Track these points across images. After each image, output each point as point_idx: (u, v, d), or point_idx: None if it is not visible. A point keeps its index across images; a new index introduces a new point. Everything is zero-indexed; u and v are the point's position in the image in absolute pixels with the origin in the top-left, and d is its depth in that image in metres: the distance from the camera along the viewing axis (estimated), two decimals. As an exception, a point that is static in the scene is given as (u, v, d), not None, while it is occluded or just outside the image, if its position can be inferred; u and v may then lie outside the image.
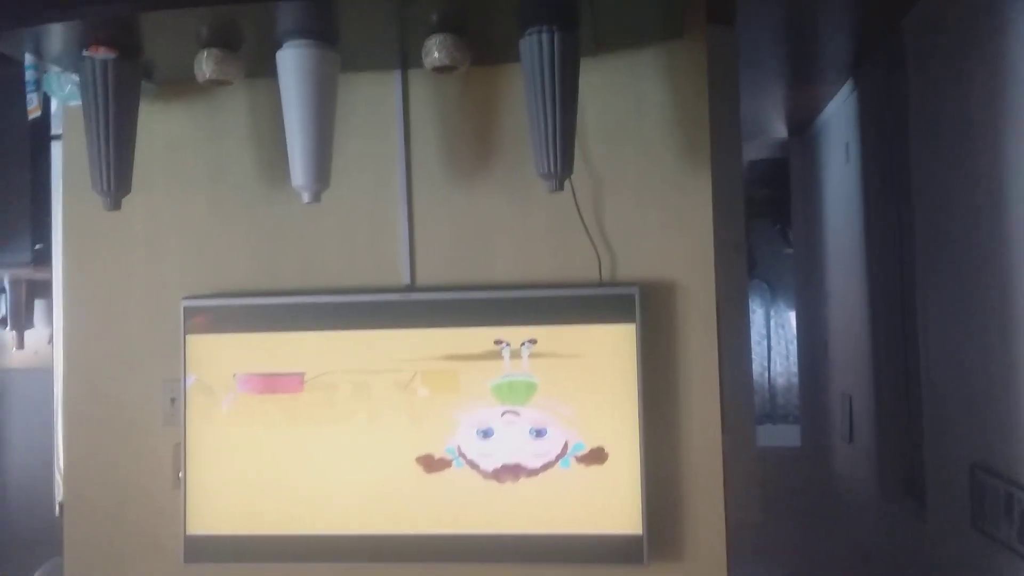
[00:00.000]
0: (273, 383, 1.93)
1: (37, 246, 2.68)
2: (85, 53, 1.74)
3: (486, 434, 1.86)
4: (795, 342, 6.94)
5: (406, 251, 1.98)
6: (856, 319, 4.30)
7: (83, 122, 1.79)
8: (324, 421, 1.91)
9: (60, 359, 2.14)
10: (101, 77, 1.75)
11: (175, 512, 1.96)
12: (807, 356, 5.83)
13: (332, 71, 1.77)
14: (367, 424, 1.90)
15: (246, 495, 1.92)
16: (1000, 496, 2.41)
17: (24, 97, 1.85)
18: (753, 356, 4.97)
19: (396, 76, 2.00)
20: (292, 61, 1.73)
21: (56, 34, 1.72)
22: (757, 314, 8.12)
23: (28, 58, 1.82)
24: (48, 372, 2.29)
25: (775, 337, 8.24)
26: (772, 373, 8.18)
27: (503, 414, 1.86)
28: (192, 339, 1.95)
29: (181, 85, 2.01)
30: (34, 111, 1.86)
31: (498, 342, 1.86)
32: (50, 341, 2.76)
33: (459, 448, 1.87)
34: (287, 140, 1.77)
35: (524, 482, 1.85)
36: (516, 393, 1.86)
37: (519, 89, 1.81)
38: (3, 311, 3.04)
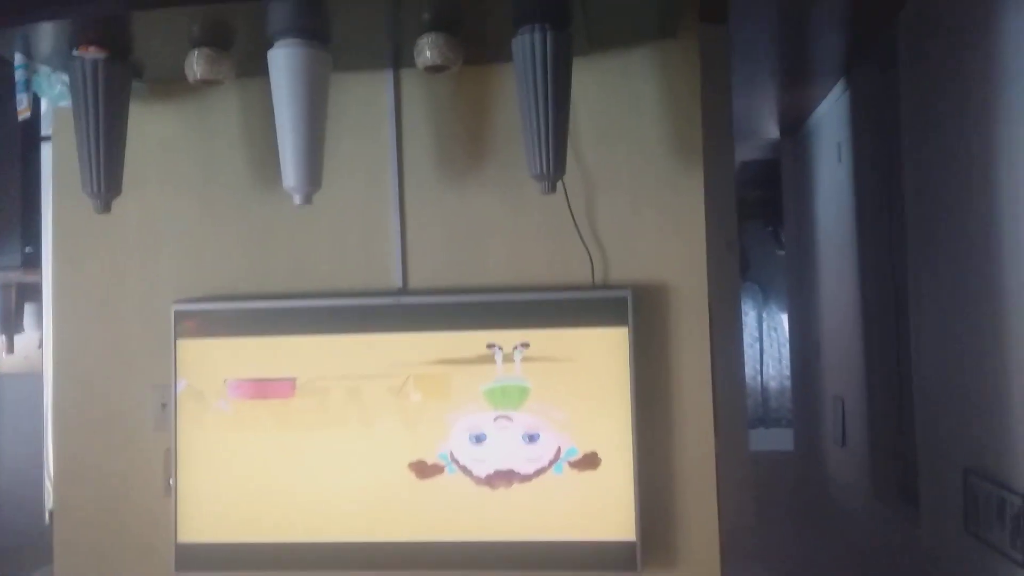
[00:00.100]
0: (264, 388, 1.91)
1: (27, 249, 2.66)
2: (75, 53, 1.73)
3: (479, 439, 1.85)
4: (787, 345, 6.94)
5: (398, 253, 1.97)
6: (848, 321, 4.30)
7: (73, 123, 1.77)
8: (316, 426, 1.89)
9: (50, 364, 2.12)
10: (91, 77, 1.74)
11: (166, 519, 1.94)
12: (800, 359, 5.84)
13: (324, 71, 1.76)
14: (359, 430, 1.88)
15: (237, 502, 1.90)
16: (992, 500, 2.41)
17: (13, 98, 1.83)
18: (745, 359, 4.97)
19: (388, 76, 1.99)
20: (283, 60, 1.71)
21: (46, 33, 1.70)
22: (749, 317, 8.13)
23: (17, 58, 1.80)
24: (38, 377, 2.27)
25: (767, 340, 8.24)
26: (765, 376, 8.18)
27: (496, 419, 1.85)
28: (183, 343, 1.93)
29: (172, 85, 2.00)
30: (24, 112, 1.84)
31: (490, 346, 1.85)
32: (40, 345, 2.74)
33: (452, 453, 1.85)
34: (278, 141, 1.76)
35: (517, 488, 1.83)
36: (509, 397, 1.84)
37: (512, 89, 1.81)
38: (-7, 315, 3.02)
